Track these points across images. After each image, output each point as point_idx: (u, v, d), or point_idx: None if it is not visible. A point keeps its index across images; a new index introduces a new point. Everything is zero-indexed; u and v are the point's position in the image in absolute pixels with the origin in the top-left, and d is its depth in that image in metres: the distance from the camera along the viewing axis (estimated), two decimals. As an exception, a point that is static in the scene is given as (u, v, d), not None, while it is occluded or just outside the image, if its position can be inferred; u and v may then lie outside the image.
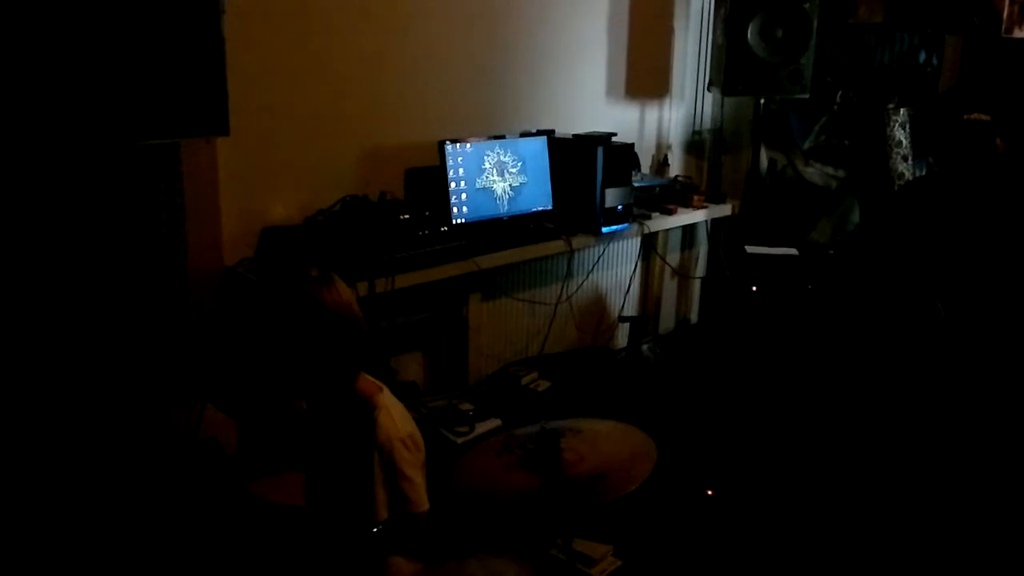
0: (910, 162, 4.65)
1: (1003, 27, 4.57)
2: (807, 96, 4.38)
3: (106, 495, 2.51)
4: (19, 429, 2.47)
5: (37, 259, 2.52)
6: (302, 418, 2.12)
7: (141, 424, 2.73)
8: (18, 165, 2.43)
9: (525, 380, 3.85)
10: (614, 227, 3.89)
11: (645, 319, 4.76)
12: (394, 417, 1.98)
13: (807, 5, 4.18)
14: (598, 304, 4.49)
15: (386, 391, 2.05)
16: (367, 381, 2.03)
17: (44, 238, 2.53)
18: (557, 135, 3.90)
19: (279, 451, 2.60)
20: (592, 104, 4.35)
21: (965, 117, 4.32)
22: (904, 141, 4.62)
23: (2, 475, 2.40)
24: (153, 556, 2.40)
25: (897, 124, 4.61)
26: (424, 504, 1.95)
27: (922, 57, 4.84)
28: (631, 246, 4.53)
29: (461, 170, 3.47)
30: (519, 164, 3.68)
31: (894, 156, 4.63)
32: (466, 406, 3.46)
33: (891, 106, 4.63)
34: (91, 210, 2.61)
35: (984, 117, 4.29)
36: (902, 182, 4.61)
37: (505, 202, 3.64)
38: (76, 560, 2.35)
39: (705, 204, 4.54)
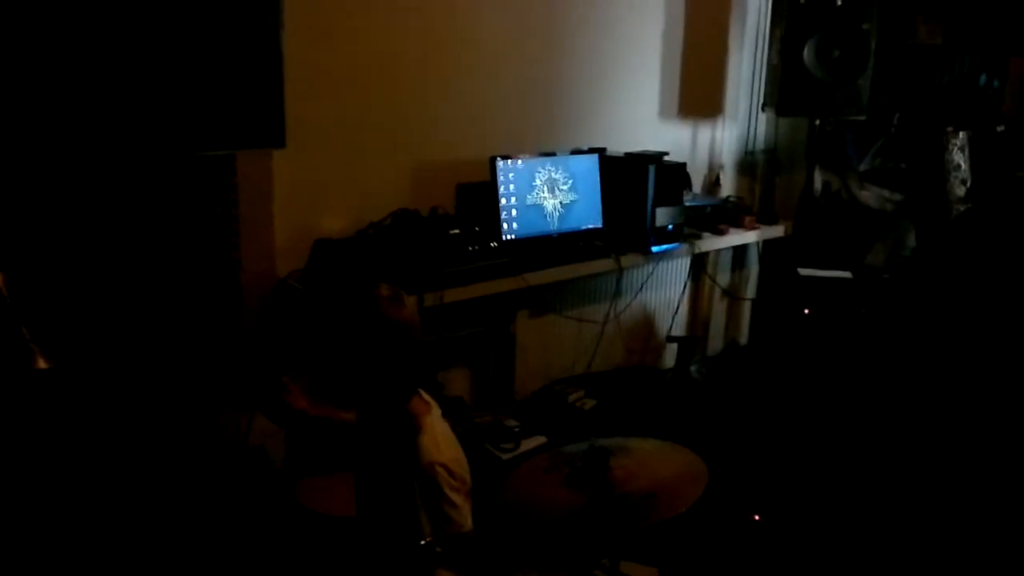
0: (968, 186, 4.55)
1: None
2: (864, 118, 4.32)
3: (154, 500, 2.53)
4: (73, 432, 2.51)
5: (94, 267, 2.57)
6: (351, 430, 2.12)
7: (191, 430, 2.76)
8: (78, 175, 2.48)
9: (571, 398, 3.82)
10: (664, 246, 3.86)
11: (694, 339, 4.70)
12: (438, 441, 1.97)
13: (866, 26, 4.12)
14: (646, 323, 4.45)
15: (435, 411, 2.04)
16: (419, 400, 2.03)
17: (102, 246, 2.58)
18: (608, 153, 3.89)
19: (327, 457, 2.61)
20: (644, 123, 4.33)
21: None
22: (963, 165, 4.53)
23: (51, 477, 2.44)
24: (199, 564, 2.42)
25: (956, 147, 4.52)
26: (467, 525, 1.94)
27: (983, 80, 4.74)
28: (681, 266, 4.49)
29: (512, 186, 3.47)
30: (570, 181, 3.67)
31: (952, 180, 4.54)
32: (512, 422, 3.45)
33: (950, 129, 4.54)
34: (148, 219, 2.66)
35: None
36: (960, 206, 4.51)
37: (555, 219, 3.63)
38: (121, 564, 2.37)
39: (757, 225, 4.48)
